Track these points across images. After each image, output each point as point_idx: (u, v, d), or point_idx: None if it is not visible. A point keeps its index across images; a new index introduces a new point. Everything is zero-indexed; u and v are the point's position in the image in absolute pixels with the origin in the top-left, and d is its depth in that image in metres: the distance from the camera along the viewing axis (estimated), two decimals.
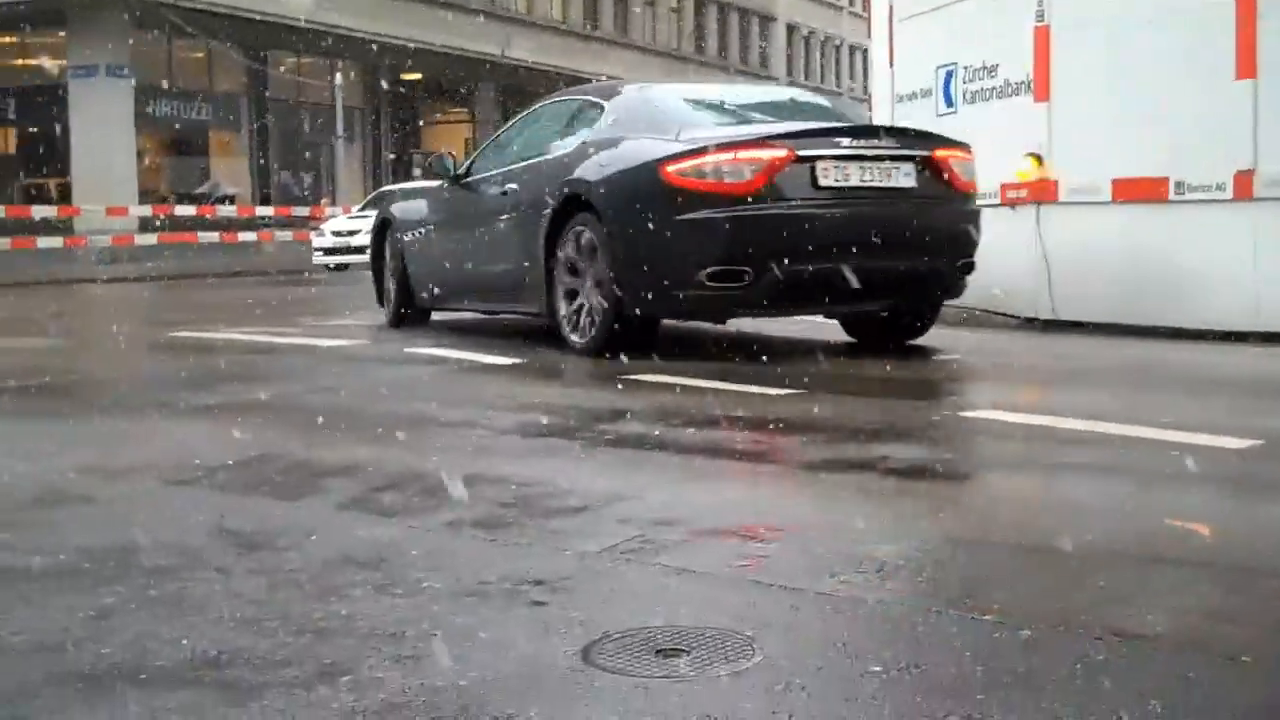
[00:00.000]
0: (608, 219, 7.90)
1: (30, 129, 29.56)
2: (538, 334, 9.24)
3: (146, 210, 26.57)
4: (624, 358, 7.65)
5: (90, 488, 4.46)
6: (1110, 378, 7.42)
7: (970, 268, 8.52)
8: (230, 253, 27.16)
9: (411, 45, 34.33)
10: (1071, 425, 5.44)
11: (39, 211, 25.22)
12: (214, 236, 26.83)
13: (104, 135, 27.71)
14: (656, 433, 5.41)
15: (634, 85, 9.82)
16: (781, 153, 7.61)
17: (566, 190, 8.22)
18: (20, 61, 30.15)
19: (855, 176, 7.80)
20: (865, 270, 7.64)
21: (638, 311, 7.95)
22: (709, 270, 7.53)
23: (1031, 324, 10.35)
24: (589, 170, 8.19)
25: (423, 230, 10.44)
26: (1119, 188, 9.84)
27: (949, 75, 11.84)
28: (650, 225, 7.67)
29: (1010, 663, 2.68)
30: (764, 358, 8.19)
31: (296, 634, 2.89)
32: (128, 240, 25.69)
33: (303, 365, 8.20)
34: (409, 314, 10.53)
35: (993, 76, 11.15)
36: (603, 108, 8.87)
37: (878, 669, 2.63)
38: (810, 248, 7.58)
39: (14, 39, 29.66)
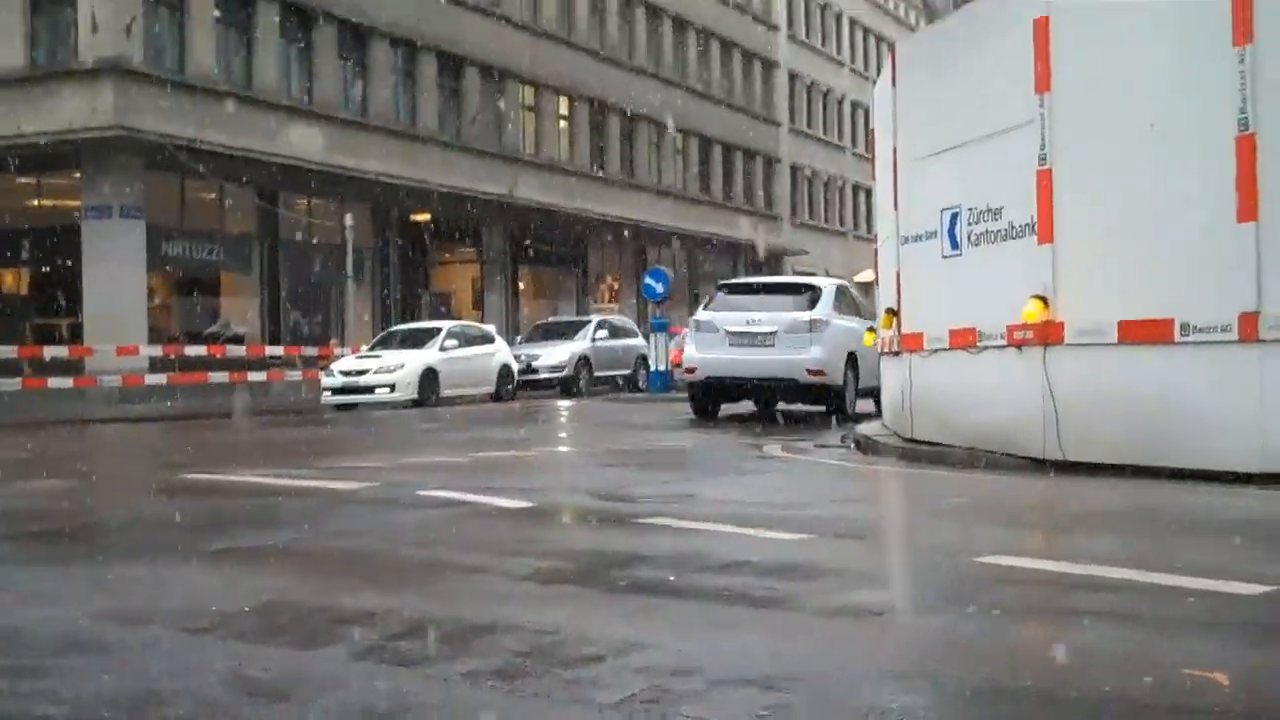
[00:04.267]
0: None
1: (43, 269, 29.73)
2: (551, 475, 9.24)
3: (157, 350, 26.72)
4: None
5: (107, 635, 4.47)
6: (1120, 522, 7.43)
7: None
8: (240, 392, 27.27)
9: (420, 186, 34.82)
10: (1083, 570, 5.45)
11: (50, 351, 25.40)
12: (224, 376, 26.97)
13: (116, 276, 27.89)
14: (672, 579, 5.42)
15: None
16: None
17: None
18: (36, 203, 30.50)
19: None
20: None
21: None
22: None
23: (1040, 465, 10.34)
24: None
25: None
26: (1125, 329, 9.89)
27: (954, 218, 11.94)
28: None
29: None
30: (774, 501, 8.20)
31: None
32: (138, 380, 25.81)
33: (316, 509, 8.20)
34: None
35: (997, 219, 11.25)
36: None
37: None
38: None
39: (31, 180, 30.06)
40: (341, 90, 34.19)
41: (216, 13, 30.53)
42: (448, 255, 40.57)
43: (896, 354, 13.50)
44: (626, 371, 32.56)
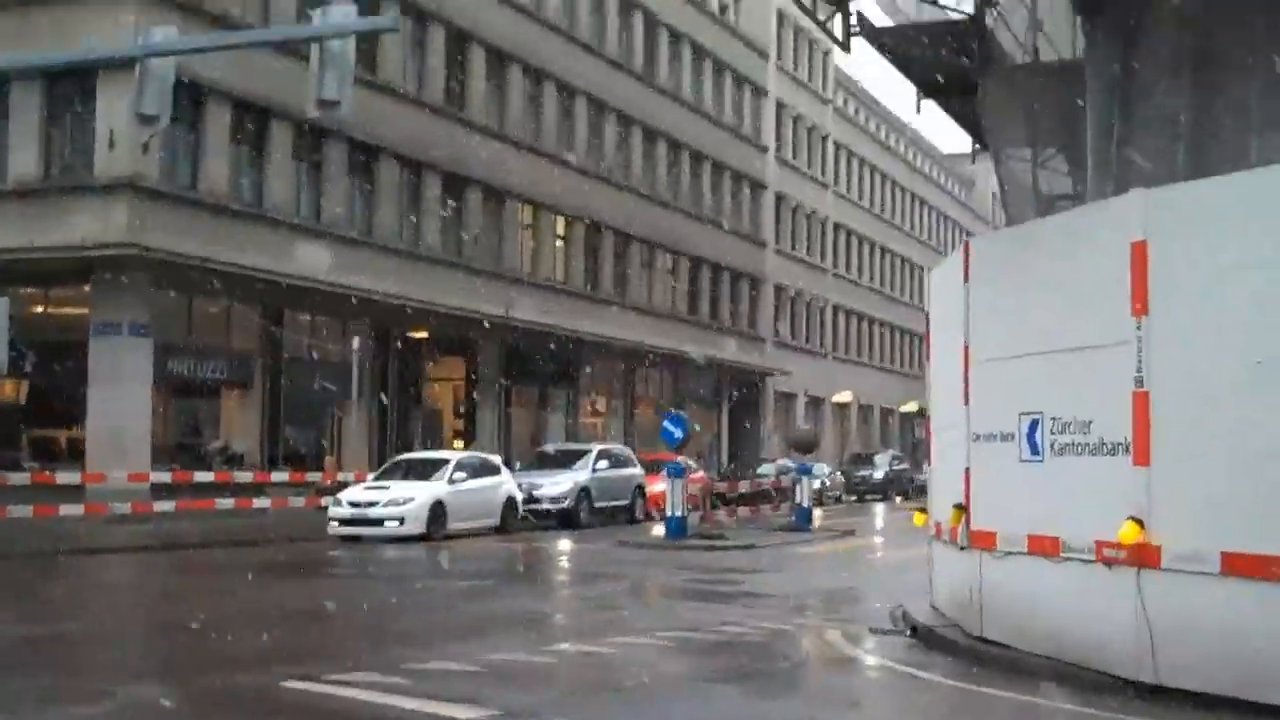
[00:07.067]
0: None
1: (46, 382, 29.21)
2: None
3: (166, 476, 26.46)
4: None
5: None
6: None
7: None
8: (245, 518, 27.05)
9: (422, 306, 34.84)
10: None
11: (62, 477, 25.16)
12: (229, 502, 26.89)
13: (122, 393, 27.48)
14: None
15: None
16: None
17: None
18: (42, 312, 29.91)
19: None
20: None
21: None
22: None
23: (1131, 687, 10.24)
24: None
25: None
26: (1229, 561, 9.78)
27: (1034, 424, 11.80)
28: None
29: None
30: None
31: None
32: (146, 508, 25.57)
33: None
34: None
35: (1085, 433, 11.13)
36: None
37: None
38: None
39: (39, 291, 29.78)
40: (348, 208, 34.26)
41: (231, 130, 30.57)
42: (440, 371, 40.53)
43: (963, 548, 13.42)
44: (625, 502, 32.54)
